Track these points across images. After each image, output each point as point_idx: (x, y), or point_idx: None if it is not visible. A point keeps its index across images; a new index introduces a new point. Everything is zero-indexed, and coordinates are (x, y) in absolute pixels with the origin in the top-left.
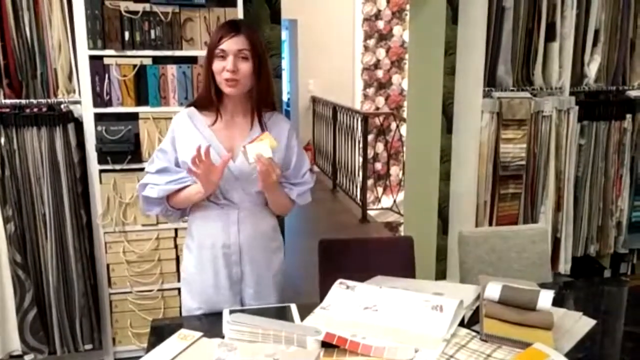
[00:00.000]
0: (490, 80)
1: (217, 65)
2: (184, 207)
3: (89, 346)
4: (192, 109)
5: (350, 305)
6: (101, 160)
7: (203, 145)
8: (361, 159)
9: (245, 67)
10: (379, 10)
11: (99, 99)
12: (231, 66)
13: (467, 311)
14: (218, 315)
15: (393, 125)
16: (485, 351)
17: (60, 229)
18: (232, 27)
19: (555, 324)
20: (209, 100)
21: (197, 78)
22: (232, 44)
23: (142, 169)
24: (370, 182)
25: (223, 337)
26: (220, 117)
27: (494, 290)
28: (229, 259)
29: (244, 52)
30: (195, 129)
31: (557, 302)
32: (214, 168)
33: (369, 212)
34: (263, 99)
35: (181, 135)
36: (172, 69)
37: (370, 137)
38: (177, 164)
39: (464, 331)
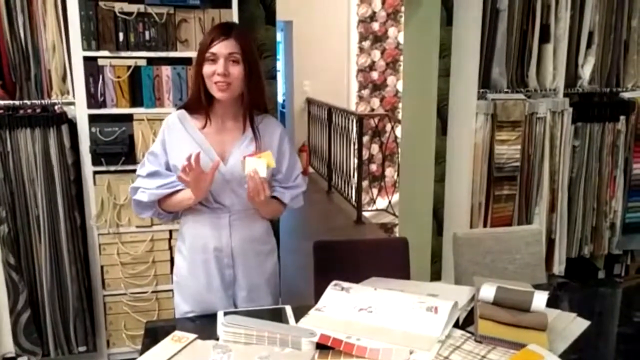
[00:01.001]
0: (485, 82)
1: (207, 69)
2: (176, 211)
3: (83, 348)
4: (183, 111)
5: (345, 307)
6: (95, 161)
7: (194, 151)
8: (356, 161)
9: (236, 70)
10: (374, 12)
11: (93, 100)
12: (222, 69)
13: (461, 312)
14: (212, 317)
15: (388, 127)
16: (480, 352)
17: (54, 230)
18: (223, 31)
19: (550, 325)
20: (199, 103)
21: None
22: (222, 48)
23: (136, 171)
24: (365, 183)
25: (217, 339)
26: (210, 122)
27: (488, 291)
28: (221, 262)
29: (234, 56)
30: (186, 132)
31: (552, 303)
32: (204, 175)
33: (364, 213)
34: (254, 103)
35: (172, 139)
36: (166, 70)
37: (365, 139)
38: (167, 167)
39: (458, 332)
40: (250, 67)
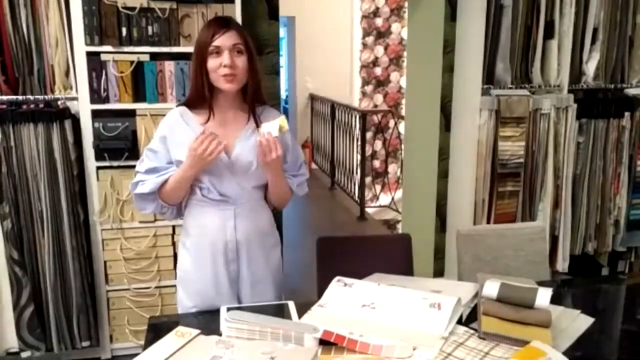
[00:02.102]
0: (489, 78)
1: (212, 62)
2: (177, 199)
3: (86, 343)
4: (184, 108)
5: (348, 303)
6: (98, 157)
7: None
8: (359, 157)
9: (241, 61)
10: (378, 8)
11: (96, 95)
12: (228, 61)
13: (465, 309)
14: (215, 312)
15: (391, 123)
16: (483, 349)
17: (58, 226)
18: (222, 23)
19: (553, 322)
20: (201, 98)
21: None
22: (225, 40)
23: None
24: (368, 179)
25: (220, 334)
26: (213, 115)
27: (491, 288)
28: (226, 256)
29: (238, 47)
30: (189, 128)
31: (555, 300)
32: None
33: (367, 209)
34: (257, 94)
35: (174, 135)
36: (169, 65)
37: (368, 135)
38: (169, 163)
39: (462, 329)
40: (252, 57)
